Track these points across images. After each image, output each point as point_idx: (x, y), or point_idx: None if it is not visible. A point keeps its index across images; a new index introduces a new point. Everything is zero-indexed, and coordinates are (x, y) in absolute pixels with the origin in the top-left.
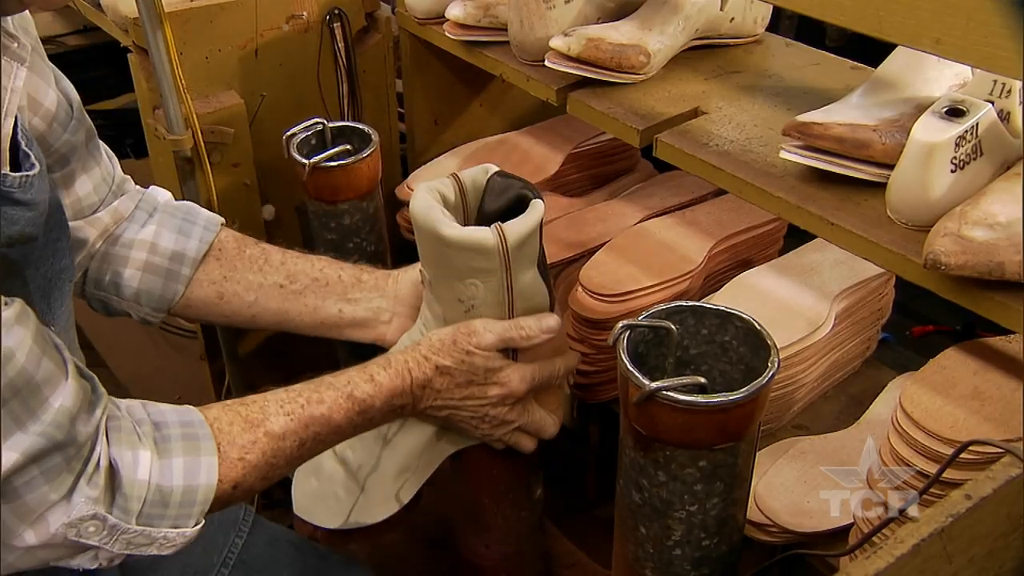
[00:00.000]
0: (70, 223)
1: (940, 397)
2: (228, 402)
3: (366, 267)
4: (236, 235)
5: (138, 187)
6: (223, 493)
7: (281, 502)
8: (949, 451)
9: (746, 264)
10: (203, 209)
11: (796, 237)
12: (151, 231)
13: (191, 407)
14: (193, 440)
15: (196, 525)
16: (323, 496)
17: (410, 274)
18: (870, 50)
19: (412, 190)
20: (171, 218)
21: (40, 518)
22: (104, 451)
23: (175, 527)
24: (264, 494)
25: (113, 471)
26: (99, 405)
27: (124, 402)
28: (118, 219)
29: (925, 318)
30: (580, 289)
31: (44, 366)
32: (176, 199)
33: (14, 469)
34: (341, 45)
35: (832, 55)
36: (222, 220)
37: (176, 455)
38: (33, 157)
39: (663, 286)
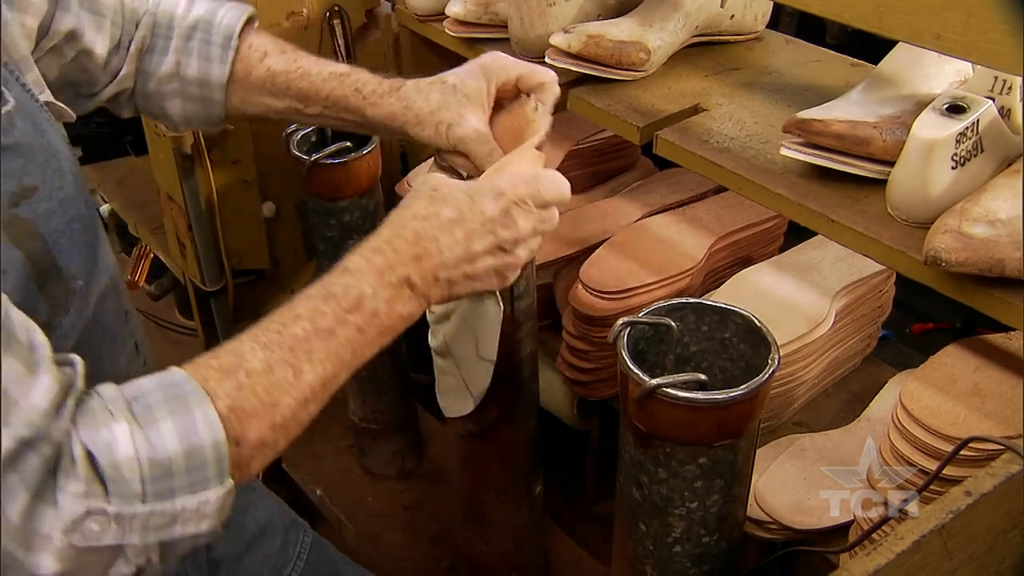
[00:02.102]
0: (105, 89)
1: (940, 394)
2: (197, 359)
3: (376, 84)
4: (244, 52)
5: (146, 7)
6: (232, 454)
7: (283, 500)
8: (949, 448)
9: (746, 261)
10: (217, 18)
11: (796, 234)
12: (172, 61)
13: (172, 368)
14: (180, 398)
15: (221, 486)
16: (446, 390)
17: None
18: (870, 48)
19: (412, 187)
20: (188, 41)
21: (45, 538)
22: (76, 439)
23: (193, 493)
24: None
25: (92, 458)
26: (72, 395)
27: (99, 387)
28: (140, 55)
29: (925, 315)
30: (580, 286)
31: (9, 366)
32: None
33: None
34: (341, 42)
35: (832, 52)
36: (239, 28)
37: (163, 419)
38: (7, 93)
39: (663, 283)
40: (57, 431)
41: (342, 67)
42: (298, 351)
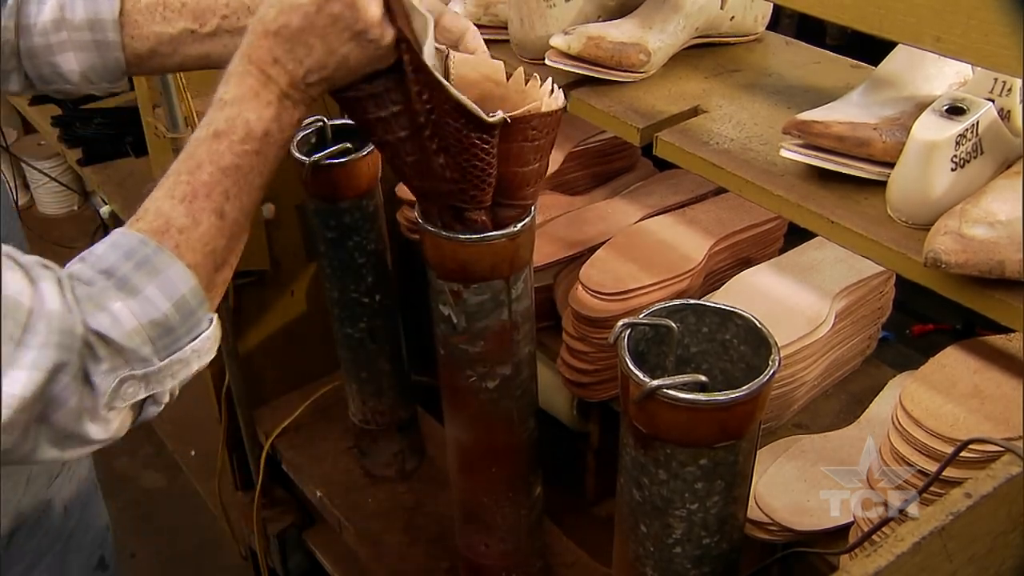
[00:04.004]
0: None
1: (940, 395)
2: (123, 229)
3: None
4: None
5: None
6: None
7: (282, 501)
8: (949, 449)
9: (746, 262)
10: None
11: (796, 235)
12: (54, 5)
13: (121, 232)
14: (148, 262)
15: (211, 324)
16: None
17: None
18: (870, 49)
19: None
20: None
21: (91, 412)
22: (85, 326)
23: (194, 337)
24: (264, 492)
25: (104, 338)
26: (67, 290)
27: (70, 270)
28: (12, 7)
29: (925, 316)
30: (580, 288)
31: (14, 279)
32: None
33: (44, 383)
34: None
35: (832, 53)
36: None
37: (145, 286)
38: None
39: (663, 284)
40: (78, 325)
41: None
42: (214, 195)
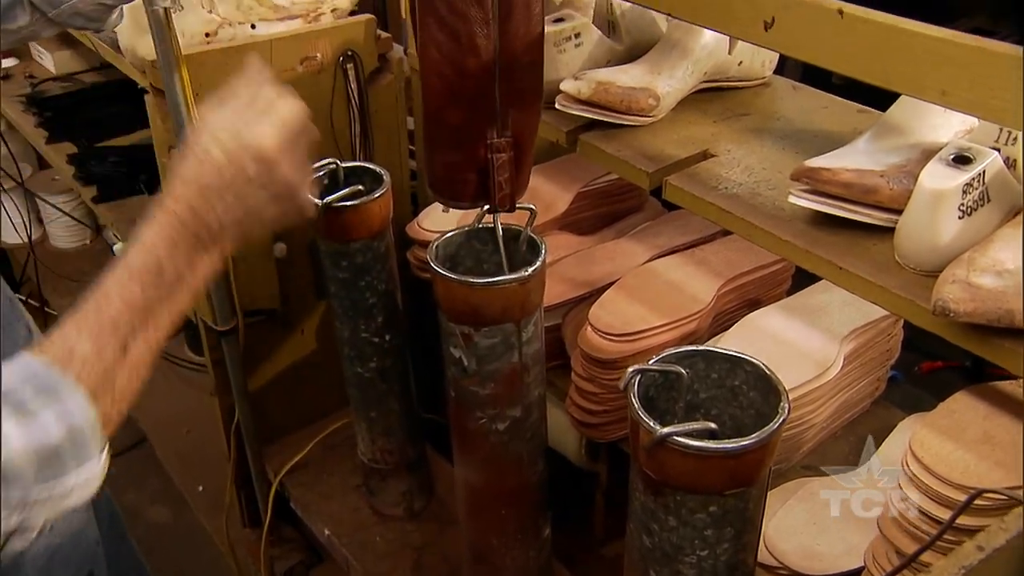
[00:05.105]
0: None
1: (950, 441)
2: (29, 354)
3: None
4: None
5: None
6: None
7: (290, 539)
8: (961, 496)
9: (754, 303)
10: None
11: (804, 276)
12: None
13: (27, 355)
14: (49, 389)
15: (100, 454)
16: None
17: None
18: (876, 91)
19: (423, 228)
20: None
21: None
22: None
23: (80, 467)
24: (272, 529)
25: None
26: None
27: None
28: None
29: (934, 354)
30: (589, 328)
31: None
32: None
33: None
34: (354, 86)
35: (839, 98)
36: None
37: (41, 410)
38: None
39: (672, 326)
40: None
41: None
42: (120, 331)
